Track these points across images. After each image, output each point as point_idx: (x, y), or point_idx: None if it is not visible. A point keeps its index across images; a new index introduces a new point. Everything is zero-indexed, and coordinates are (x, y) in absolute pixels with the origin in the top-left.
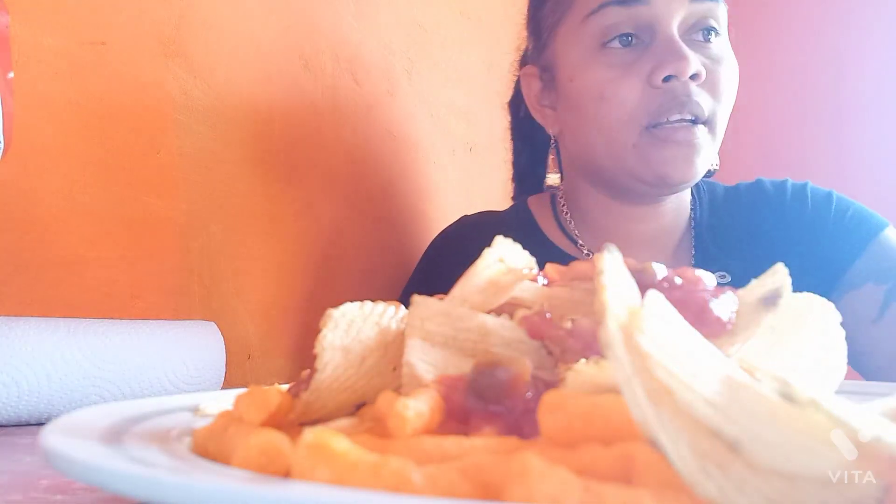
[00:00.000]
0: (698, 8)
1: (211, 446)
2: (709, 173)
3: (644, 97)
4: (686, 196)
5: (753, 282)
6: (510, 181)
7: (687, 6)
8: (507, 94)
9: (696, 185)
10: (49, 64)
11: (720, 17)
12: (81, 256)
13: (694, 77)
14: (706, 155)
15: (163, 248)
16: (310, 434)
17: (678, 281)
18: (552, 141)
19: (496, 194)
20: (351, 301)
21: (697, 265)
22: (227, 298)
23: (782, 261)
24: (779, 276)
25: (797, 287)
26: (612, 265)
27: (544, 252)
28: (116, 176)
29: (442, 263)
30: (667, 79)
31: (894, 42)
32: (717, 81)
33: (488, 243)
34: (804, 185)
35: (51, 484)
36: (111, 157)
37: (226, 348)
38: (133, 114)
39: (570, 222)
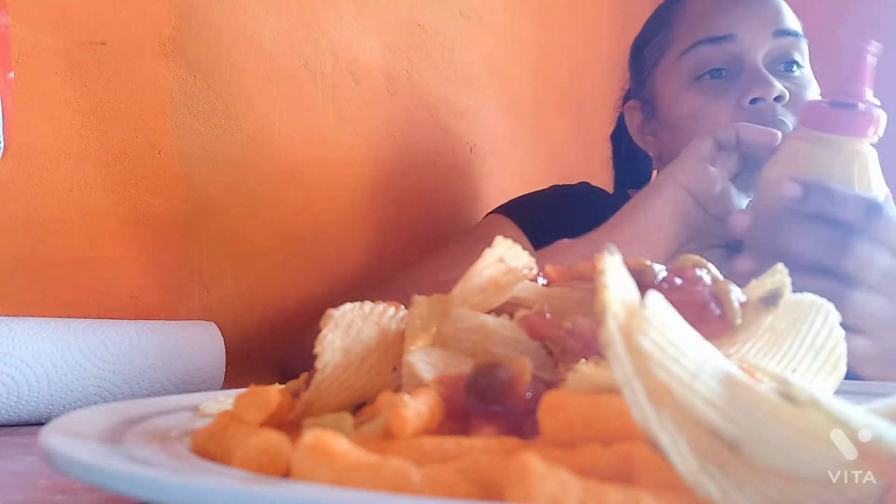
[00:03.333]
0: (781, 42)
1: (211, 446)
2: None
3: (734, 117)
4: None
5: (753, 282)
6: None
7: (770, 41)
8: (508, 94)
9: None
10: (49, 64)
11: (803, 50)
12: (81, 256)
13: (778, 99)
14: None
15: (163, 248)
16: (310, 434)
17: (678, 282)
18: (653, 163)
19: (496, 194)
20: (351, 301)
21: None
22: (227, 298)
23: None
24: (779, 276)
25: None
26: (612, 265)
27: None
28: (116, 176)
29: (553, 206)
30: (753, 101)
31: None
32: (800, 104)
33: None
34: None
35: (51, 484)
36: (111, 157)
37: (226, 348)
38: (133, 114)
39: None
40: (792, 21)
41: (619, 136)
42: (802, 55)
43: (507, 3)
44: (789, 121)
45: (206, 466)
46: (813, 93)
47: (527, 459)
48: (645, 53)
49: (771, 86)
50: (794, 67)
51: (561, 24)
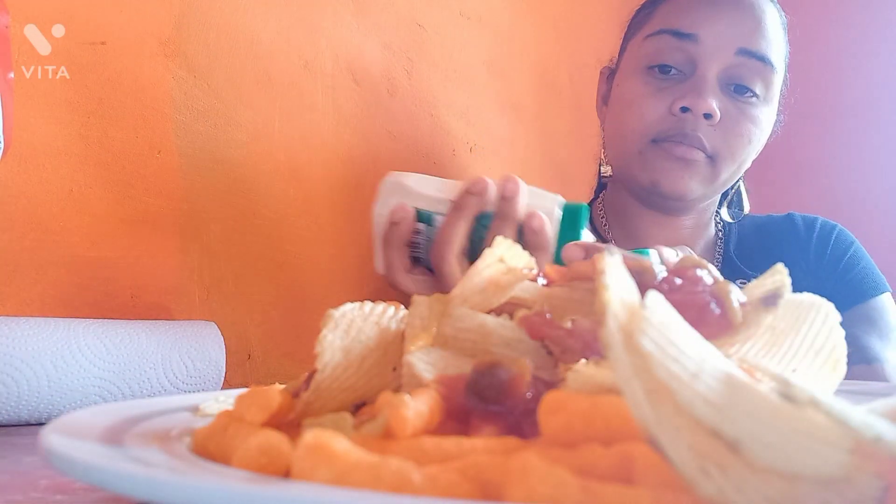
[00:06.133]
0: (742, 62)
1: (211, 446)
2: (738, 215)
3: (660, 119)
4: (705, 221)
5: (753, 282)
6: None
7: (732, 57)
8: (508, 94)
9: (725, 223)
10: (49, 64)
11: (767, 80)
12: (81, 256)
13: (708, 116)
14: (703, 180)
15: (163, 248)
16: (310, 434)
17: (678, 282)
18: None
19: None
20: (351, 301)
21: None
22: (227, 298)
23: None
24: (779, 276)
25: None
26: (612, 265)
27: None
28: (116, 176)
29: None
30: (683, 109)
31: (894, 42)
32: (732, 131)
33: None
34: (833, 227)
35: (51, 484)
36: (111, 157)
37: (226, 348)
38: (133, 114)
39: (603, 218)
40: (764, 46)
41: None
42: (765, 85)
43: (507, 3)
44: (709, 143)
45: (206, 466)
46: (758, 128)
47: (527, 459)
48: (631, 22)
49: (703, 100)
50: (747, 93)
51: (561, 24)
